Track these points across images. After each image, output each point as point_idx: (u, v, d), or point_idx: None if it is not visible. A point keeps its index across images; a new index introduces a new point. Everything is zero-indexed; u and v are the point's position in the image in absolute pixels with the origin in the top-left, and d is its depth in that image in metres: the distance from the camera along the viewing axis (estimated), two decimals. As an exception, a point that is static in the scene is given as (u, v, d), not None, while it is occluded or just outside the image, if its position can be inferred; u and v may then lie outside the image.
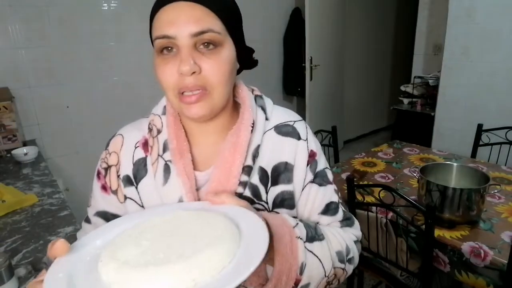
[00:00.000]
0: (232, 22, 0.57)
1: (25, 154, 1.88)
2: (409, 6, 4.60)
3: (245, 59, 0.62)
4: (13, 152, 1.88)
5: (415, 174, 1.56)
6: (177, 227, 0.48)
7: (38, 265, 0.97)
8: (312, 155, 0.65)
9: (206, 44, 0.53)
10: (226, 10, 0.56)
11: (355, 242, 0.68)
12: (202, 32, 0.52)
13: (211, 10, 0.53)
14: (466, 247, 1.17)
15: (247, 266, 0.40)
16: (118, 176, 0.64)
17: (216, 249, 0.43)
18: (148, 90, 2.74)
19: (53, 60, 2.36)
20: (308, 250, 0.56)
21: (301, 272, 0.54)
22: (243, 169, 0.59)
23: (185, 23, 0.52)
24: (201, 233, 0.46)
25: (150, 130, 0.64)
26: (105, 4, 2.49)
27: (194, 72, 0.52)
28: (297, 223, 0.58)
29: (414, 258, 1.36)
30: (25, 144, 2.09)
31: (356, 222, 0.72)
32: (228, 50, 0.56)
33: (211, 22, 0.53)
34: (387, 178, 1.74)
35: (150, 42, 0.58)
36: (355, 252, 0.67)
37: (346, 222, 0.69)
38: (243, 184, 0.60)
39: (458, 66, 2.78)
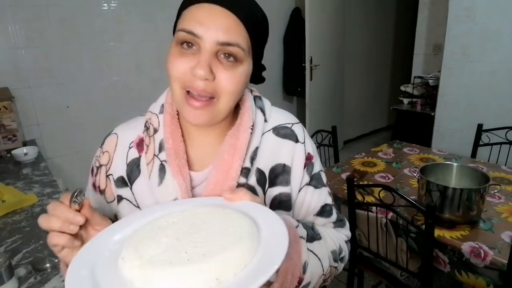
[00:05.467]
0: (259, 40, 0.57)
1: (25, 154, 1.88)
2: (409, 6, 4.60)
3: (256, 75, 0.62)
4: (13, 152, 1.88)
5: (415, 174, 1.56)
6: (197, 224, 0.48)
7: (38, 265, 0.97)
8: (309, 158, 0.66)
9: (227, 55, 0.52)
10: (257, 27, 0.55)
11: (346, 242, 0.70)
12: (228, 44, 0.51)
13: (243, 23, 0.52)
14: (466, 247, 1.17)
15: (270, 264, 0.39)
16: (108, 176, 0.64)
17: (238, 247, 0.42)
18: (148, 90, 2.74)
19: (53, 60, 2.36)
20: (309, 250, 0.57)
21: (304, 271, 0.55)
22: (241, 171, 0.59)
23: (215, 28, 0.50)
24: (221, 230, 0.46)
25: (147, 128, 0.63)
26: (105, 4, 2.49)
27: (207, 79, 0.51)
28: (298, 224, 0.58)
29: (414, 258, 1.36)
30: (25, 144, 2.09)
31: (347, 223, 0.74)
32: (246, 68, 0.55)
33: (240, 36, 0.52)
34: (387, 178, 1.74)
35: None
36: (346, 251, 0.69)
37: (338, 223, 0.71)
38: (240, 186, 0.59)
39: (458, 66, 2.78)
